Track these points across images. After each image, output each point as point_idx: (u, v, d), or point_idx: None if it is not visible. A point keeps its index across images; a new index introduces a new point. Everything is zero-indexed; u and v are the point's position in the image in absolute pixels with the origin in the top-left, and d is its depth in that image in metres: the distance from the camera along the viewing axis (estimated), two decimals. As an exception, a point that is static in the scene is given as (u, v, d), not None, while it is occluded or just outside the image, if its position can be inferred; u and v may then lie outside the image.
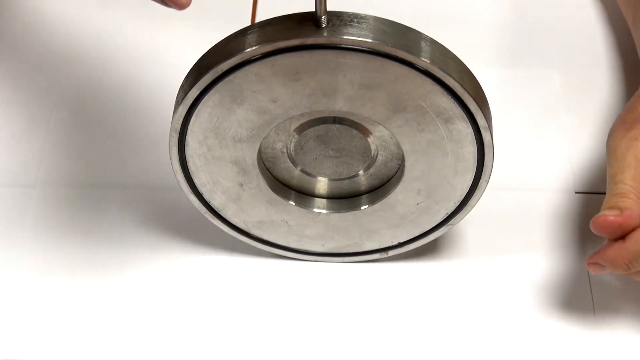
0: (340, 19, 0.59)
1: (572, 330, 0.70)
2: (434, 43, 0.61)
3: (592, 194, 0.76)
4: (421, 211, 0.69)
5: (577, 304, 0.71)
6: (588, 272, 0.72)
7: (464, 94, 0.61)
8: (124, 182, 0.75)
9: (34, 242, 0.73)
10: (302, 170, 0.69)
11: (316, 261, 0.72)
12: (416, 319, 0.70)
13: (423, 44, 0.61)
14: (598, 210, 0.75)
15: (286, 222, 0.70)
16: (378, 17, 0.60)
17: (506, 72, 0.83)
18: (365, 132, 0.66)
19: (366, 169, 0.69)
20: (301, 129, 0.66)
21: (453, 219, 0.69)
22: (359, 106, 0.63)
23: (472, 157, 0.65)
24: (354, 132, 0.66)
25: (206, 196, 0.68)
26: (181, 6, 0.61)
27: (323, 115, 0.65)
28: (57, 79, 0.81)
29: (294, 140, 0.67)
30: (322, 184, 0.69)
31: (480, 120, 0.63)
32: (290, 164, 0.68)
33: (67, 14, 0.85)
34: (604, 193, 0.76)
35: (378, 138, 0.67)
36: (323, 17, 0.59)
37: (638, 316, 0.70)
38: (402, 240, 0.71)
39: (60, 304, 0.70)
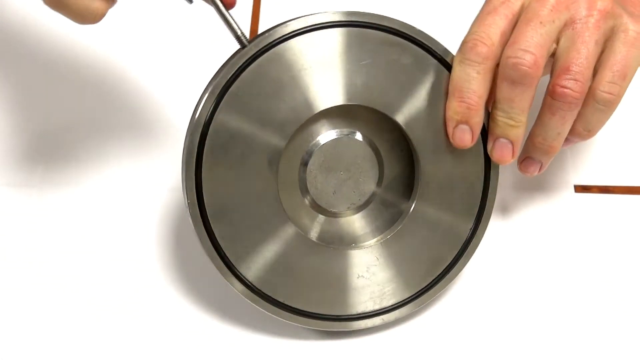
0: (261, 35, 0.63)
1: (571, 330, 0.70)
2: None
3: (592, 190, 0.76)
4: None
5: (576, 301, 0.71)
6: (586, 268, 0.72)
7: None
8: (124, 182, 0.75)
9: (34, 242, 0.72)
10: (331, 214, 0.68)
11: None
12: (418, 317, 0.70)
13: None
14: (598, 207, 0.75)
15: None
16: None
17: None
18: (357, 136, 0.67)
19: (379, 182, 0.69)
20: (304, 164, 0.67)
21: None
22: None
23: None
24: (347, 139, 0.67)
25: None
26: None
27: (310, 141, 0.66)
28: (58, 78, 0.81)
29: (309, 197, 0.67)
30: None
31: None
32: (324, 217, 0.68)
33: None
34: (604, 188, 0.76)
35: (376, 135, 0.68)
36: (239, 34, 0.63)
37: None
38: None
39: (60, 304, 0.70)
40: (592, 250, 0.73)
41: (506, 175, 0.76)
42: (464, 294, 0.71)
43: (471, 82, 0.66)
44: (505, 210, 0.75)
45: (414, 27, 0.66)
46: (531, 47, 0.65)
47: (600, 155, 0.78)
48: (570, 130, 0.68)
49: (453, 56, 0.67)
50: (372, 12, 0.65)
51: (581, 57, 0.65)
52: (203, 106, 0.63)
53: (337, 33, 0.64)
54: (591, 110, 0.67)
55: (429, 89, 0.66)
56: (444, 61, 0.67)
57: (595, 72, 0.66)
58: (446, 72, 0.67)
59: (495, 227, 0.74)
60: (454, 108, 0.66)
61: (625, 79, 0.66)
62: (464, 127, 0.67)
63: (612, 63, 0.66)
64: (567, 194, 0.76)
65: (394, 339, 0.69)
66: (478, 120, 0.67)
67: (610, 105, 0.67)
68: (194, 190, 0.63)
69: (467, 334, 0.70)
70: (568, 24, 0.66)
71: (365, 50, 0.65)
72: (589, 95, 0.66)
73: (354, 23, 0.65)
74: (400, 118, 0.66)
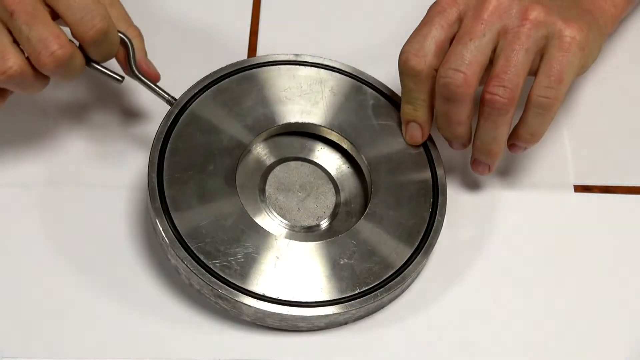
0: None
1: (571, 330, 0.70)
2: None
3: (592, 190, 0.76)
4: None
5: (577, 301, 0.71)
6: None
7: None
8: (123, 182, 0.75)
9: (34, 241, 0.72)
10: (304, 227, 0.72)
11: None
12: (415, 319, 0.70)
13: None
14: (598, 207, 0.75)
15: None
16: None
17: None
18: (303, 159, 0.74)
19: (337, 192, 0.74)
20: (262, 190, 0.72)
21: None
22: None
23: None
24: (294, 163, 0.73)
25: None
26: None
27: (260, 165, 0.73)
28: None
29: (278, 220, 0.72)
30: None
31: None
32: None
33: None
34: (604, 188, 0.76)
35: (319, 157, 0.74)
36: (167, 97, 0.72)
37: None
38: None
39: (60, 303, 0.70)
40: (592, 250, 0.73)
41: (506, 174, 0.77)
42: (462, 292, 0.71)
43: (411, 91, 0.71)
44: (505, 210, 0.75)
45: (336, 61, 0.76)
46: (462, 66, 0.68)
47: (601, 155, 0.78)
48: (515, 135, 0.71)
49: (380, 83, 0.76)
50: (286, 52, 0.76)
51: (510, 65, 0.68)
52: (150, 167, 0.70)
53: (259, 72, 0.74)
54: (531, 115, 0.70)
55: (356, 103, 0.74)
56: (374, 86, 0.75)
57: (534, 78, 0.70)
58: (371, 91, 0.75)
59: (495, 226, 0.74)
60: (403, 109, 0.72)
61: (561, 83, 0.69)
62: (414, 124, 0.72)
63: (548, 68, 0.69)
64: (567, 194, 0.76)
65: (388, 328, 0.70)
66: (425, 118, 0.72)
67: (548, 109, 0.69)
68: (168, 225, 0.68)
69: (463, 333, 0.70)
70: (501, 33, 0.69)
71: (288, 82, 0.74)
72: (528, 100, 0.69)
73: (275, 63, 0.75)
74: (336, 127, 0.73)
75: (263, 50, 0.82)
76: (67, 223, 0.73)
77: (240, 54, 0.82)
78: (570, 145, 0.78)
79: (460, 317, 0.70)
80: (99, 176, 0.76)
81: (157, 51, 0.75)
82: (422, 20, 0.71)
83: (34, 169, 0.76)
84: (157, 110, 0.77)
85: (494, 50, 0.69)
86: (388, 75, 0.75)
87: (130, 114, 0.78)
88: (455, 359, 0.69)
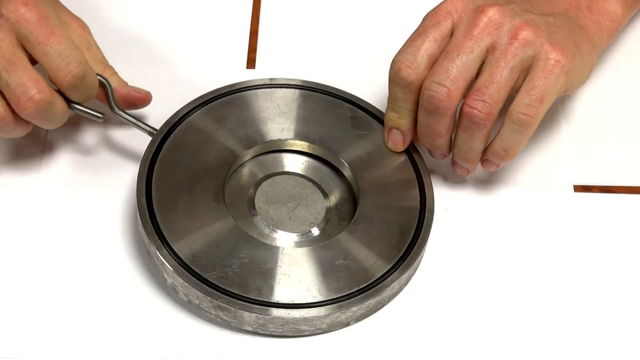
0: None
1: (571, 331, 0.70)
2: None
3: (592, 190, 0.76)
4: None
5: (577, 301, 0.71)
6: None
7: None
8: (123, 182, 0.76)
9: (34, 241, 0.73)
10: (297, 234, 0.72)
11: None
12: (415, 322, 0.70)
13: None
14: (598, 207, 0.75)
15: None
16: None
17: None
18: (289, 173, 0.75)
19: (326, 197, 0.74)
20: (252, 205, 0.73)
21: None
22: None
23: None
24: (280, 177, 0.74)
25: None
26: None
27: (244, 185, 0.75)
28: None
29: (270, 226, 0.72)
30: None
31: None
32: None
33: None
34: (605, 188, 0.76)
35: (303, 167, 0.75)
36: (149, 129, 0.74)
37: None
38: None
39: (59, 303, 0.70)
40: (592, 250, 0.73)
41: (506, 174, 0.77)
42: (462, 291, 0.71)
43: (399, 99, 0.72)
44: (505, 209, 0.75)
45: (310, 81, 0.77)
46: (446, 81, 0.69)
47: (601, 155, 0.78)
48: (490, 149, 0.72)
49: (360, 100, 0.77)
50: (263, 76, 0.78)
51: (493, 81, 0.69)
52: (139, 192, 0.71)
53: (236, 97, 0.76)
54: (508, 130, 0.70)
55: (335, 117, 0.76)
56: (350, 101, 0.77)
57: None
58: (349, 105, 0.77)
59: (495, 226, 0.74)
60: (388, 116, 0.74)
61: (542, 102, 0.69)
62: (396, 131, 0.73)
63: (530, 87, 0.69)
64: (567, 193, 0.76)
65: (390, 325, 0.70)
66: (409, 127, 0.73)
67: (526, 127, 0.70)
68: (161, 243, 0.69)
69: (461, 334, 0.70)
70: (490, 49, 0.70)
71: (266, 103, 0.76)
72: (507, 116, 0.70)
73: (255, 86, 0.77)
74: (317, 140, 0.75)
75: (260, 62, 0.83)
76: (68, 224, 0.73)
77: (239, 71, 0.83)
78: (570, 145, 0.78)
79: (461, 315, 0.70)
80: (98, 177, 0.76)
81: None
82: (417, 30, 0.72)
83: (34, 169, 0.76)
84: (155, 114, 0.77)
85: (482, 65, 0.70)
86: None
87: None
88: (457, 357, 0.69)
